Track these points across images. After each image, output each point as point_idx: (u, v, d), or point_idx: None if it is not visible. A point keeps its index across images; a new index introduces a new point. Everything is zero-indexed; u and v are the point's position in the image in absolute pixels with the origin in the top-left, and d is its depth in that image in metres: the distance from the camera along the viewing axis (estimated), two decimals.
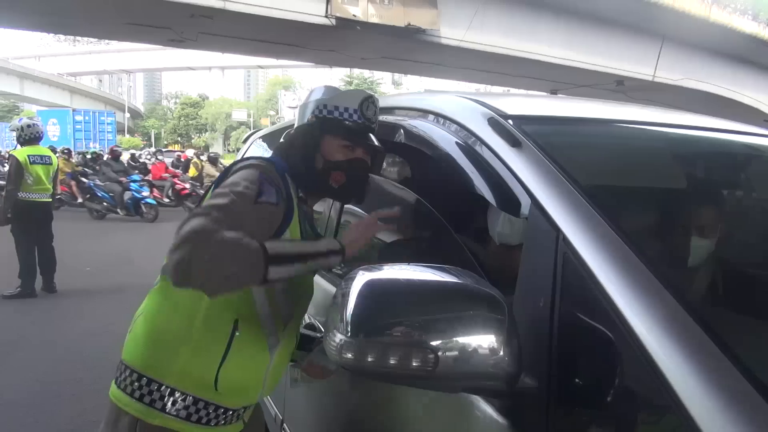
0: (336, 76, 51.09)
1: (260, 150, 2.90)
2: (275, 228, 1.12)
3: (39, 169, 5.15)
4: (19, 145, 5.27)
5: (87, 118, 20.01)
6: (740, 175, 1.37)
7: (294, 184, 1.22)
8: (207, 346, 1.14)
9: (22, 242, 5.15)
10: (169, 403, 1.13)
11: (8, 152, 5.14)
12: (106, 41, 42.60)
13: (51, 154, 5.50)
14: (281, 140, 1.35)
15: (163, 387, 1.13)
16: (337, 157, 1.24)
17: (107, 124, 21.21)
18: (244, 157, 1.20)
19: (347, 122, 1.24)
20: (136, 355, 1.17)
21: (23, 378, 3.34)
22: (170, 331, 1.15)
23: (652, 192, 1.18)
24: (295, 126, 1.31)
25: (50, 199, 5.37)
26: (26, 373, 3.41)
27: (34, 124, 5.34)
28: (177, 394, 1.13)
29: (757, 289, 1.04)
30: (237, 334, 1.14)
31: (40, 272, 5.28)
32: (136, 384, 1.14)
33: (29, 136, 5.22)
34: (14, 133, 5.41)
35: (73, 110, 21.09)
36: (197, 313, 1.13)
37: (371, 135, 1.28)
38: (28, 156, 5.11)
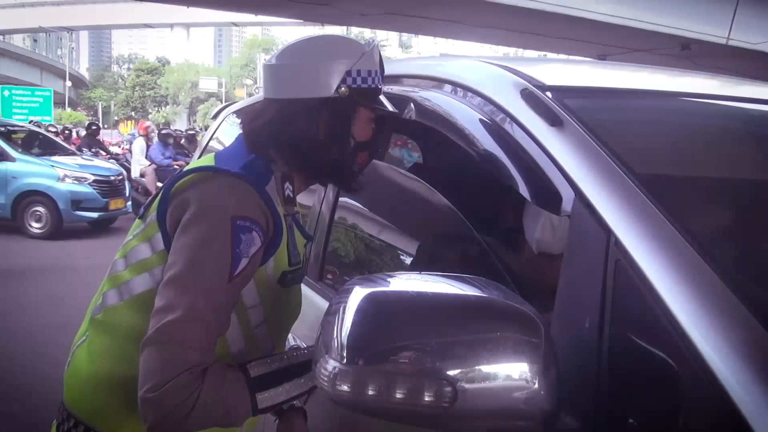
0: None
1: (234, 129, 2.90)
2: (254, 274, 1.11)
3: None
4: None
5: None
6: None
7: (282, 185, 1.17)
8: None
9: None
10: None
11: None
12: None
13: None
14: (252, 118, 1.21)
15: None
16: (366, 134, 1.21)
17: None
18: (202, 167, 1.13)
19: (378, 89, 1.20)
20: (80, 401, 1.16)
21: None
22: (121, 377, 1.11)
23: (730, 185, 1.16)
24: (283, 98, 1.17)
25: None
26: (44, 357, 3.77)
27: None
28: None
29: None
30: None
31: None
32: None
33: None
34: None
35: None
36: None
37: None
38: None
